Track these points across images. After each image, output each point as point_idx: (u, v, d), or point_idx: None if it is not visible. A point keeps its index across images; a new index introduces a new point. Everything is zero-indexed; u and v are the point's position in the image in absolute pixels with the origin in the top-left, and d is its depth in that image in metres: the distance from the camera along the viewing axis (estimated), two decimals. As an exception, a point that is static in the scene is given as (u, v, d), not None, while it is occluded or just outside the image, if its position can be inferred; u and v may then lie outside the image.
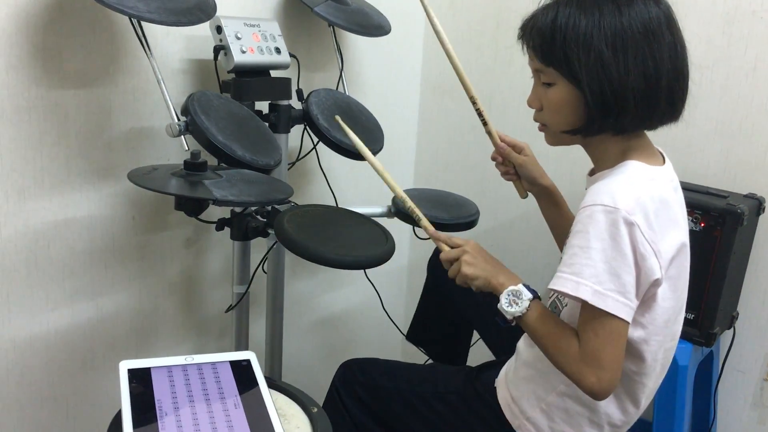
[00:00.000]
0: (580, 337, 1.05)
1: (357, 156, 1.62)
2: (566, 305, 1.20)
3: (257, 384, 0.98)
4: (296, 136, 1.70)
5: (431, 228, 1.28)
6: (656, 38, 1.04)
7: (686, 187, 1.65)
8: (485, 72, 2.12)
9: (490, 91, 2.11)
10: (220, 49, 1.45)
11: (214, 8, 1.35)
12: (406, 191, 1.76)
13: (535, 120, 1.20)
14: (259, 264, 1.57)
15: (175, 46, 1.50)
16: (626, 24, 1.03)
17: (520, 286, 1.12)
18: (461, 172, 2.23)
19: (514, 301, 1.10)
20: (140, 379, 0.94)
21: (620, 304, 1.01)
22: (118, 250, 1.50)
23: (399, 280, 2.40)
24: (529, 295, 1.11)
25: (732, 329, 1.74)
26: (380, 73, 2.06)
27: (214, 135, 1.25)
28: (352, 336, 2.27)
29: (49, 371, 1.45)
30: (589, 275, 1.01)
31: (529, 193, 1.46)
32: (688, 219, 1.57)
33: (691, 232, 1.59)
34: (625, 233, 1.00)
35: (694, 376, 1.64)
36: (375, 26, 1.74)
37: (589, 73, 1.05)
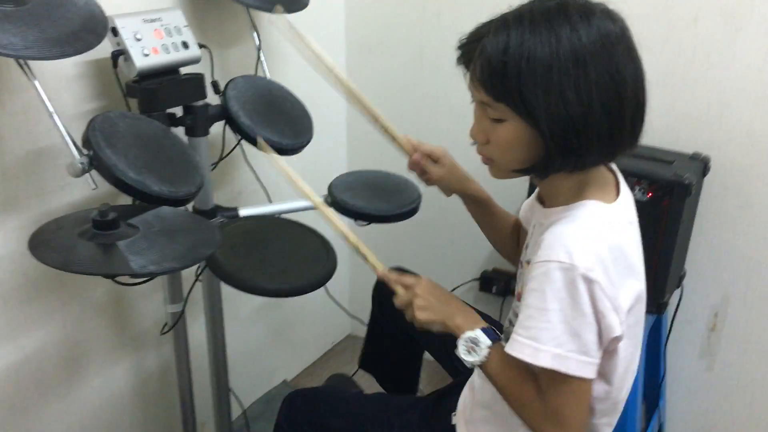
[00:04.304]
0: (542, 393, 0.99)
1: (285, 150, 1.50)
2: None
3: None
4: (218, 129, 1.55)
5: (380, 269, 1.17)
6: (619, 70, 0.92)
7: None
8: (412, 26, 1.98)
9: (421, 46, 1.98)
10: (119, 54, 1.28)
11: (105, 25, 1.17)
12: (343, 175, 1.66)
13: (480, 153, 1.06)
14: (195, 280, 1.44)
15: (67, 50, 1.32)
16: (588, 50, 0.90)
17: (477, 332, 1.04)
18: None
19: (471, 349, 1.03)
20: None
21: (582, 364, 0.94)
22: (33, 285, 1.36)
23: (341, 255, 2.31)
24: (488, 342, 1.03)
25: (680, 287, 1.74)
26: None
27: (124, 171, 1.10)
28: (296, 316, 2.21)
29: (-25, 423, 1.34)
30: (547, 339, 0.93)
31: None
32: (635, 189, 1.53)
33: (638, 203, 1.52)
34: (584, 291, 0.92)
35: (646, 341, 1.64)
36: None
37: (550, 114, 0.91)
